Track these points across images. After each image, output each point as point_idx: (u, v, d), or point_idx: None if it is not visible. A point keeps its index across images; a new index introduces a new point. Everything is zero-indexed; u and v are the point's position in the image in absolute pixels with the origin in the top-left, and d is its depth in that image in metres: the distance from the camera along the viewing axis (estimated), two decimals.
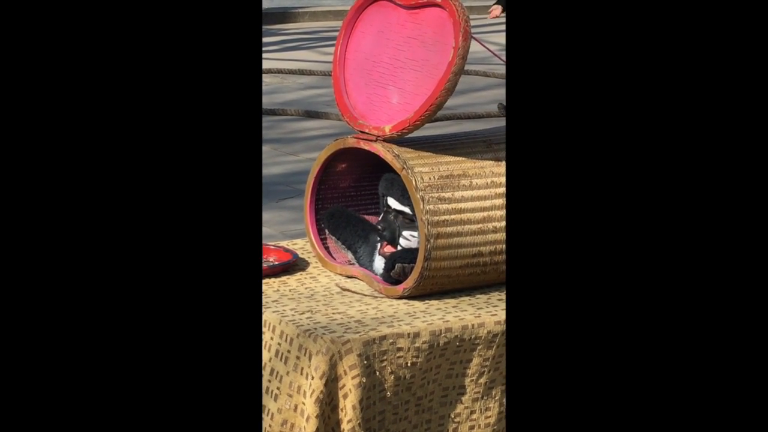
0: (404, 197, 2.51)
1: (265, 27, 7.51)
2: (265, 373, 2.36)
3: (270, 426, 2.33)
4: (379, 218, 2.59)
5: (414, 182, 2.42)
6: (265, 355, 2.37)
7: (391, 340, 2.31)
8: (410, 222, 2.52)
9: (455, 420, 2.41)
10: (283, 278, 2.64)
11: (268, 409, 2.34)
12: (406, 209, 2.52)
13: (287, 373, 2.32)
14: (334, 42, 2.72)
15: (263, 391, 2.35)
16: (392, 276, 2.51)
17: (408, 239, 2.53)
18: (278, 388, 2.33)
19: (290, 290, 2.57)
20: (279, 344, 2.36)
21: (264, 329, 2.40)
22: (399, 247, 2.55)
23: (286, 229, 5.84)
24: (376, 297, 2.53)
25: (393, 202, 2.54)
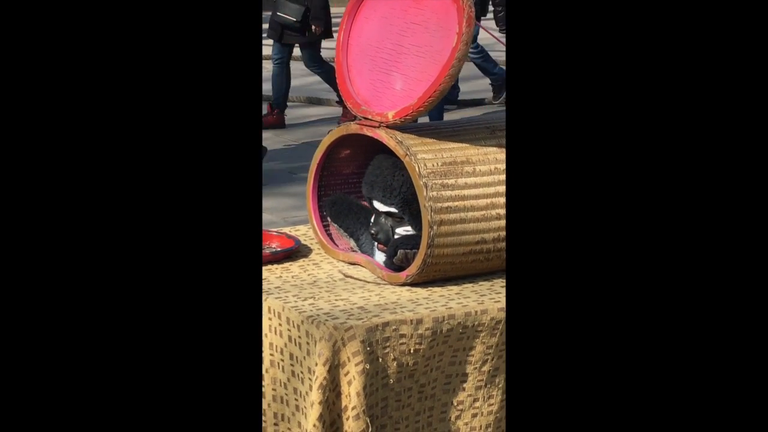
0: (386, 197, 2.50)
1: (265, 13, 7.50)
2: (285, 357, 2.37)
3: (304, 408, 2.34)
4: (371, 221, 2.58)
5: (417, 169, 2.41)
6: (280, 341, 2.38)
7: (394, 327, 2.30)
8: (400, 219, 2.52)
9: (458, 407, 2.40)
10: (286, 265, 2.64)
11: (299, 391, 2.35)
12: (392, 209, 2.51)
13: (304, 358, 2.32)
14: (336, 28, 2.72)
15: (290, 374, 2.36)
16: (395, 263, 2.51)
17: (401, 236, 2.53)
18: (301, 372, 2.34)
19: (293, 277, 2.57)
20: (289, 330, 2.36)
21: (269, 315, 2.40)
22: None
23: (288, 215, 5.84)
24: (379, 284, 2.52)
25: (378, 205, 2.54)
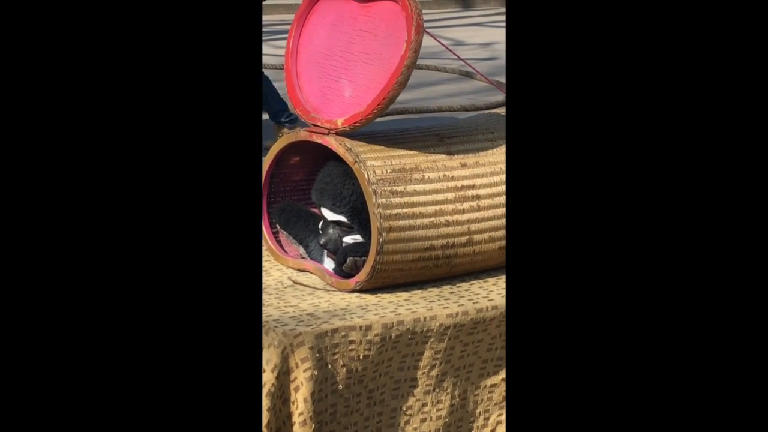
0: (335, 205, 2.51)
1: None
2: None
3: None
4: (320, 229, 2.59)
5: (366, 176, 2.42)
6: None
7: (343, 333, 2.31)
8: (349, 229, 2.53)
9: (407, 413, 2.41)
10: None
11: None
12: (341, 217, 2.52)
13: None
14: (286, 35, 2.72)
15: None
16: (344, 270, 2.51)
17: (350, 243, 2.54)
18: None
19: None
20: None
21: None
22: None
23: None
24: (329, 290, 2.53)
25: (327, 213, 2.54)
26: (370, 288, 2.50)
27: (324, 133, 2.50)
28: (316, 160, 2.67)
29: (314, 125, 2.53)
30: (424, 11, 2.46)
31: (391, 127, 2.77)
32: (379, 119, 2.50)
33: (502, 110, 2.83)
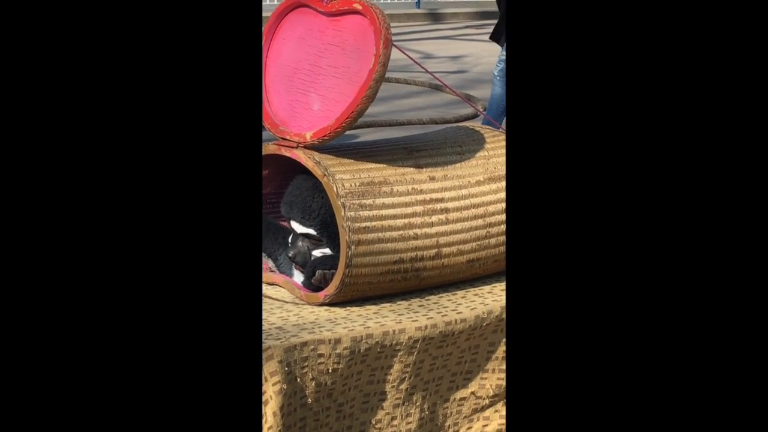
0: (304, 218, 2.51)
1: None
2: None
3: None
4: (289, 242, 2.59)
5: (335, 189, 2.42)
6: None
7: (312, 347, 2.31)
8: (317, 242, 2.53)
9: (376, 426, 2.41)
10: None
11: None
12: (310, 230, 2.52)
13: None
14: None
15: None
16: (313, 283, 2.51)
17: (319, 256, 2.54)
18: None
19: None
20: None
21: None
22: None
23: None
24: (297, 304, 2.52)
25: (296, 226, 2.55)
26: (339, 301, 2.50)
27: (293, 147, 2.51)
28: (285, 173, 2.67)
29: (283, 139, 2.53)
30: (392, 24, 2.47)
31: (360, 140, 2.77)
32: (348, 132, 2.51)
33: (471, 123, 2.84)
